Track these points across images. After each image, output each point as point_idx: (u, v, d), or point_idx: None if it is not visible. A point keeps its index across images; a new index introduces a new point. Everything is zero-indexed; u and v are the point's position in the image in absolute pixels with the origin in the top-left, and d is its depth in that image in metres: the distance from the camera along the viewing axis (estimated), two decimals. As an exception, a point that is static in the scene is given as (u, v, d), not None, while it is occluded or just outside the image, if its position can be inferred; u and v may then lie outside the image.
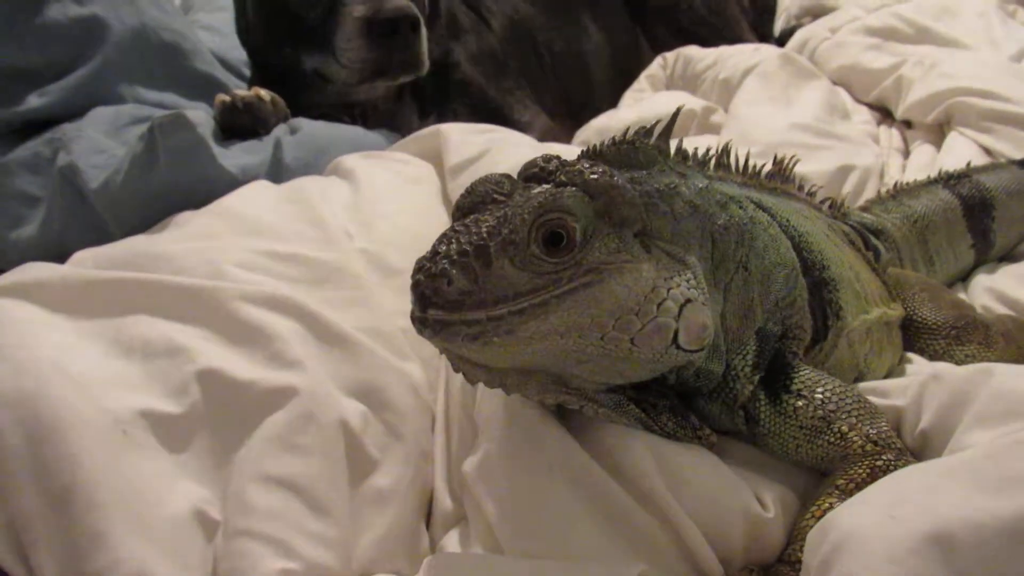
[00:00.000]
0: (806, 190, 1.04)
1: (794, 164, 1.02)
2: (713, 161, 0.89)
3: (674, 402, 0.77)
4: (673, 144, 0.82)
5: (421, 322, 0.67)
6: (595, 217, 0.69)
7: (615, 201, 0.70)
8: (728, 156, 0.91)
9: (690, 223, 0.75)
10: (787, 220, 0.90)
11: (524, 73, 1.91)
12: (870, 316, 0.94)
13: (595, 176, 0.70)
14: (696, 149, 0.87)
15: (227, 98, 1.37)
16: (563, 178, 0.71)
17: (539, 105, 1.88)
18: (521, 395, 0.75)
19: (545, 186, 0.71)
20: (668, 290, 0.71)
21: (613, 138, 0.77)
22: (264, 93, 1.40)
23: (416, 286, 0.66)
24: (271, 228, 1.06)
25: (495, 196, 0.71)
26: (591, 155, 0.76)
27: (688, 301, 0.71)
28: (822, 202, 1.10)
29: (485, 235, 0.66)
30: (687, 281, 0.72)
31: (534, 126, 1.77)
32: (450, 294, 0.65)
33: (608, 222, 0.70)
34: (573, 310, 0.68)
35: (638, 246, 0.71)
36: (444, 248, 0.66)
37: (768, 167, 0.98)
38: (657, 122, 0.81)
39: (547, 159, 0.74)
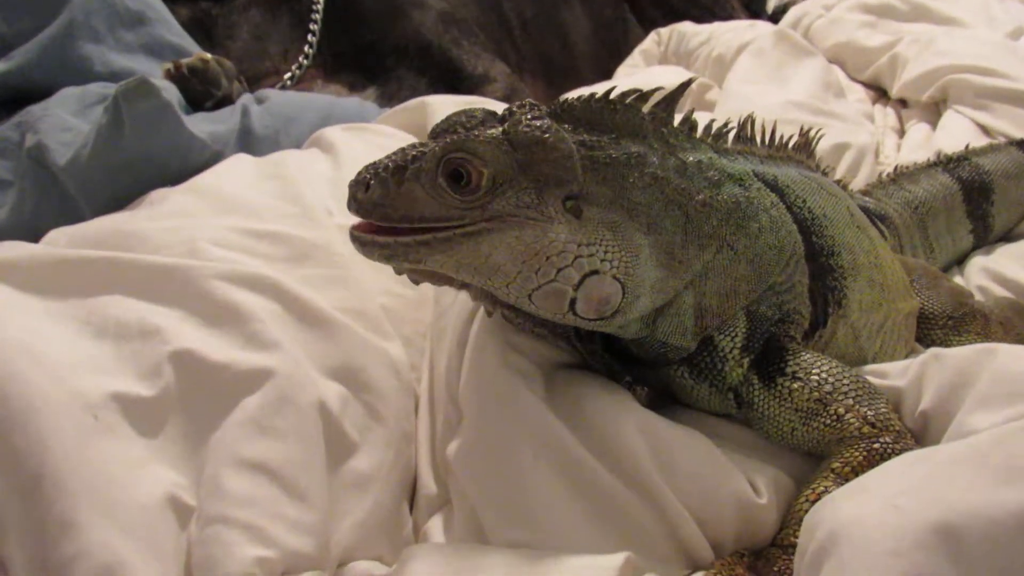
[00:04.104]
0: (821, 169, 1.02)
1: (819, 138, 0.99)
2: (733, 134, 0.87)
3: (613, 364, 0.80)
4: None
5: (351, 235, 0.73)
6: (516, 168, 0.70)
7: (538, 158, 0.70)
8: (751, 128, 0.90)
9: (646, 195, 0.74)
10: (803, 201, 0.87)
11: (483, 30, 1.87)
12: (883, 309, 0.91)
13: (524, 129, 0.70)
14: (712, 121, 0.85)
15: (170, 66, 1.36)
16: (506, 125, 0.72)
17: (504, 62, 1.84)
18: (469, 295, 0.77)
19: (495, 128, 0.72)
20: (576, 257, 0.71)
21: (589, 95, 0.76)
22: (207, 55, 1.40)
23: (349, 187, 0.72)
24: (249, 205, 1.03)
25: (458, 128, 0.74)
26: (560, 109, 0.75)
27: (594, 272, 0.71)
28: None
29: (409, 159, 0.70)
30: (606, 252, 0.72)
31: (493, 76, 1.74)
32: (365, 200, 0.71)
33: (529, 176, 0.70)
34: (475, 252, 0.70)
35: (559, 207, 0.71)
36: (381, 162, 0.72)
37: (795, 139, 0.97)
38: (656, 89, 0.79)
39: (522, 104, 0.75)
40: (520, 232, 0.70)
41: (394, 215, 0.70)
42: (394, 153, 0.72)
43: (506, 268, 0.71)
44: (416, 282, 0.76)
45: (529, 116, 0.72)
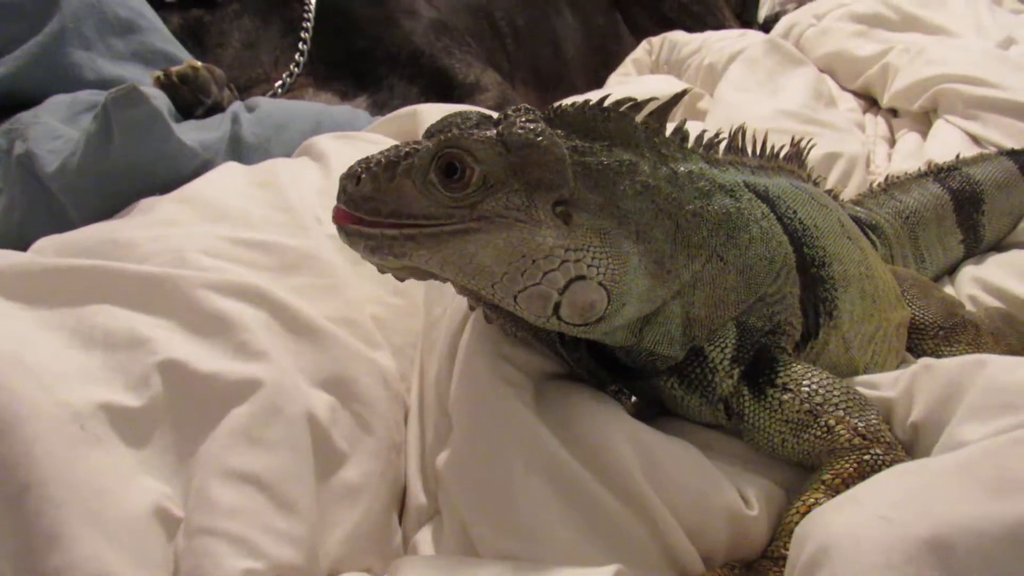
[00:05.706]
0: (812, 179, 1.02)
1: (810, 148, 0.99)
2: (724, 145, 0.87)
3: (600, 372, 0.80)
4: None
5: (335, 223, 0.72)
6: (508, 170, 0.70)
7: (530, 161, 0.70)
8: (743, 138, 0.90)
9: (637, 203, 0.74)
10: (793, 212, 0.88)
11: (474, 38, 1.87)
12: (875, 320, 0.91)
13: (519, 131, 0.70)
14: (704, 132, 0.85)
15: (160, 74, 1.36)
16: (500, 127, 0.72)
17: (496, 71, 1.84)
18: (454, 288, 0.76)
19: (490, 130, 0.72)
20: (563, 262, 0.71)
21: (584, 102, 0.76)
22: (197, 63, 1.40)
23: (340, 180, 0.72)
24: (239, 214, 1.03)
25: (453, 128, 0.74)
26: (554, 115, 0.75)
27: (580, 278, 0.71)
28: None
29: (402, 155, 0.71)
30: (594, 258, 0.72)
31: (484, 84, 1.75)
32: (355, 194, 0.71)
33: (521, 179, 0.70)
34: (461, 251, 0.70)
35: (548, 211, 0.71)
36: (374, 157, 0.71)
37: (786, 149, 0.97)
38: (650, 99, 0.79)
39: (517, 107, 0.75)
40: (508, 234, 0.70)
41: (383, 210, 0.70)
42: (388, 149, 0.72)
43: (492, 268, 0.70)
44: (401, 279, 0.75)
45: (523, 119, 0.72)
